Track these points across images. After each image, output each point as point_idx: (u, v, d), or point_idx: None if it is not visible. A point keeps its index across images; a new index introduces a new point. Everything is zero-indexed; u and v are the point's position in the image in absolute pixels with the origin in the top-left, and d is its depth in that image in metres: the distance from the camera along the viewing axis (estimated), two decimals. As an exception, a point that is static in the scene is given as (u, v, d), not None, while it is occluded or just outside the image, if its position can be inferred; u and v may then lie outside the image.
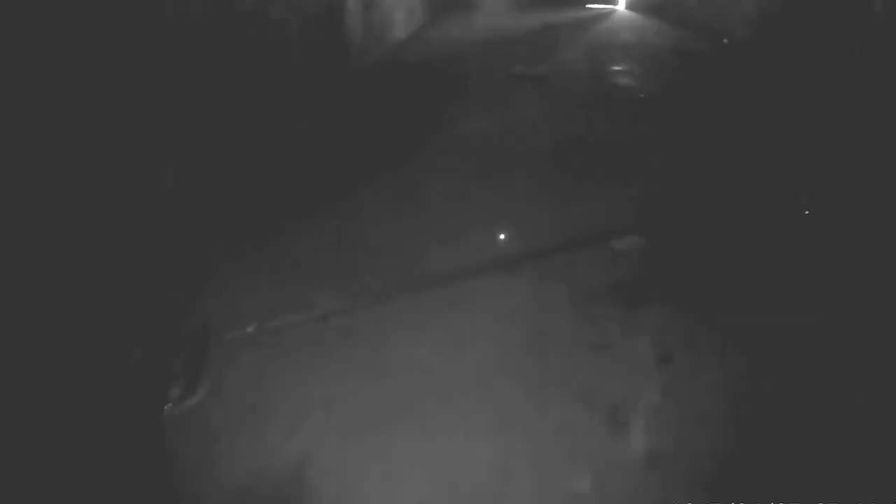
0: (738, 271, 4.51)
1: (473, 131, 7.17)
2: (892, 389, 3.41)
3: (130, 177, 4.09)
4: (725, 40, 12.11)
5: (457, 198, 5.67)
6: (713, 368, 3.58)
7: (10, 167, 3.05)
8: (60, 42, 3.36)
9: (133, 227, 4.07)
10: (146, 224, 4.22)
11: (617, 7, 18.37)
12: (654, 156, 6.70)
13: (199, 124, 4.93)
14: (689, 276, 4.48)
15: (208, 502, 2.74)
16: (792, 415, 3.27)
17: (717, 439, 3.10)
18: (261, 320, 3.84)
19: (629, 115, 7.90)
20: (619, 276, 4.45)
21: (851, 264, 4.51)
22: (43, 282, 3.26)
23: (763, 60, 10.20)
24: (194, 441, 3.04)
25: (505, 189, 5.88)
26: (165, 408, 3.17)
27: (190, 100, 4.80)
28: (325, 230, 4.97)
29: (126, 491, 2.79)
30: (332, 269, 4.45)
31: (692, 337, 3.81)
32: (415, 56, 10.79)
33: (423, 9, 14.33)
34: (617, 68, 10.19)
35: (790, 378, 3.48)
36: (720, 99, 8.60)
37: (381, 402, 3.29)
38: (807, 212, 5.22)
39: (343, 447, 3.01)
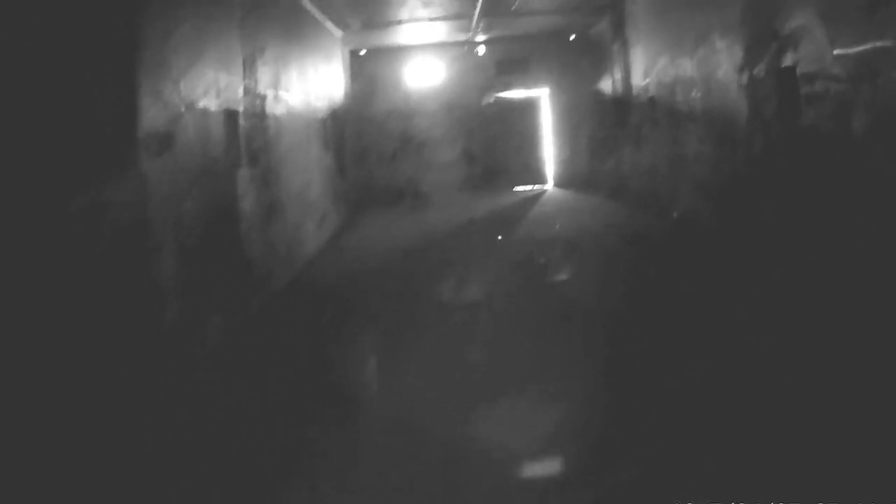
0: None
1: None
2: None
3: None
4: (675, 214, 10.72)
5: None
6: None
7: None
8: None
9: None
10: None
11: (546, 187, 17.32)
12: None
13: None
14: None
15: None
16: None
17: None
18: None
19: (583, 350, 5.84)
20: None
21: None
22: None
23: (726, 239, 8.76)
24: None
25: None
26: None
27: None
28: None
29: None
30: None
31: None
32: (323, 279, 8.97)
33: (338, 212, 12.84)
34: (561, 278, 8.39)
35: None
36: (690, 310, 6.90)
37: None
38: None
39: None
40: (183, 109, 5.42)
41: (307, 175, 10.25)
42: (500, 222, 12.36)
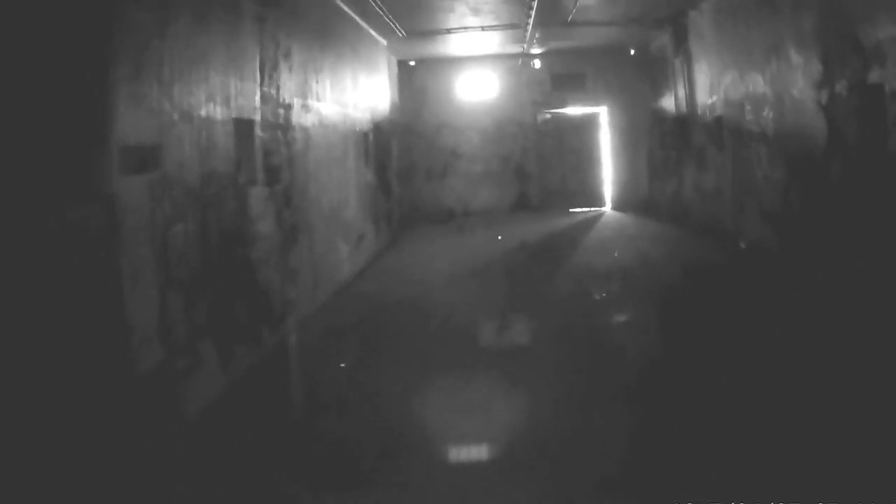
0: None
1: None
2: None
3: None
4: (742, 243, 9.81)
5: None
6: None
7: None
8: None
9: None
10: None
11: (603, 210, 16.47)
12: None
13: None
14: None
15: None
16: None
17: None
18: None
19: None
20: None
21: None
22: None
23: (798, 273, 7.86)
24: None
25: None
26: None
27: None
28: None
29: None
30: None
31: None
32: (352, 310, 8.27)
33: (378, 233, 12.24)
34: (621, 319, 7.50)
35: None
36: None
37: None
38: None
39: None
40: (176, 118, 4.82)
41: (343, 192, 9.65)
42: (554, 249, 11.56)
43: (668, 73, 13.65)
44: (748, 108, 9.32)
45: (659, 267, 9.46)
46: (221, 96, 5.68)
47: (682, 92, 12.56)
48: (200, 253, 5.17)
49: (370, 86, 11.91)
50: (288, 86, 7.55)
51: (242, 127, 6.23)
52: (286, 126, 7.46)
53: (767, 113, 8.66)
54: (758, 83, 8.88)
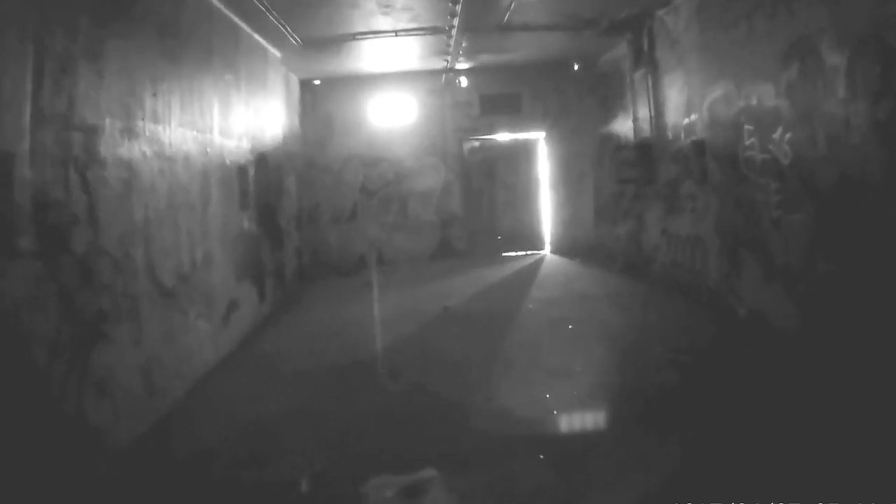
0: None
1: None
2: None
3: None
4: (741, 310, 7.65)
5: None
6: None
7: None
8: None
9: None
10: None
11: (542, 253, 14.27)
12: None
13: None
14: None
15: None
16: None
17: None
18: None
19: None
20: None
21: None
22: None
23: (816, 351, 5.73)
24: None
25: None
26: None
27: None
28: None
29: None
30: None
31: None
32: (201, 423, 5.75)
33: (262, 297, 9.70)
34: (569, 429, 5.13)
35: None
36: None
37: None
38: None
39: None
40: None
41: (201, 249, 7.09)
42: (486, 318, 8.99)
43: (622, 90, 11.59)
44: (749, 128, 7.21)
45: (633, 349, 7.08)
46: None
47: (643, 112, 10.46)
48: None
49: (254, 108, 9.43)
50: (94, 99, 5.06)
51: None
52: (87, 160, 4.94)
53: (782, 135, 6.54)
54: (766, 96, 6.78)
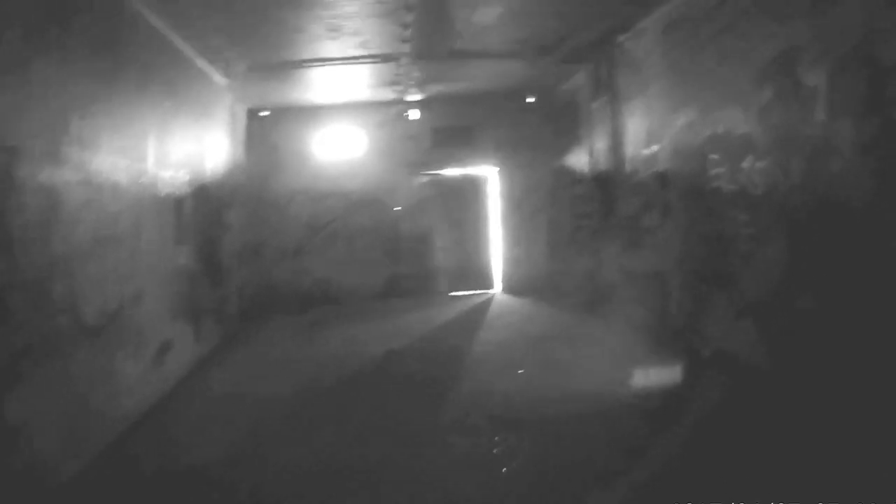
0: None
1: None
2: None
3: None
4: (705, 351, 7.34)
5: None
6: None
7: None
8: None
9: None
10: None
11: (493, 292, 13.92)
12: None
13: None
14: None
15: None
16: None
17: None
18: None
19: None
20: None
21: None
22: None
23: (789, 391, 5.45)
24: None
25: None
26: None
27: None
28: None
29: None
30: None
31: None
32: (134, 476, 5.22)
33: (199, 338, 9.14)
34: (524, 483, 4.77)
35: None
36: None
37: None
38: None
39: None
40: None
41: (131, 285, 6.54)
42: (433, 361, 8.53)
43: (579, 121, 11.37)
44: (714, 157, 6.97)
45: (591, 396, 6.70)
46: None
47: (602, 144, 10.23)
48: None
49: (195, 137, 8.95)
50: (15, 118, 4.55)
51: None
52: (3, 185, 4.42)
53: (752, 163, 6.29)
54: (735, 121, 6.55)
